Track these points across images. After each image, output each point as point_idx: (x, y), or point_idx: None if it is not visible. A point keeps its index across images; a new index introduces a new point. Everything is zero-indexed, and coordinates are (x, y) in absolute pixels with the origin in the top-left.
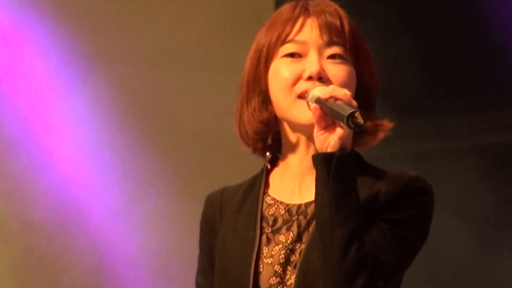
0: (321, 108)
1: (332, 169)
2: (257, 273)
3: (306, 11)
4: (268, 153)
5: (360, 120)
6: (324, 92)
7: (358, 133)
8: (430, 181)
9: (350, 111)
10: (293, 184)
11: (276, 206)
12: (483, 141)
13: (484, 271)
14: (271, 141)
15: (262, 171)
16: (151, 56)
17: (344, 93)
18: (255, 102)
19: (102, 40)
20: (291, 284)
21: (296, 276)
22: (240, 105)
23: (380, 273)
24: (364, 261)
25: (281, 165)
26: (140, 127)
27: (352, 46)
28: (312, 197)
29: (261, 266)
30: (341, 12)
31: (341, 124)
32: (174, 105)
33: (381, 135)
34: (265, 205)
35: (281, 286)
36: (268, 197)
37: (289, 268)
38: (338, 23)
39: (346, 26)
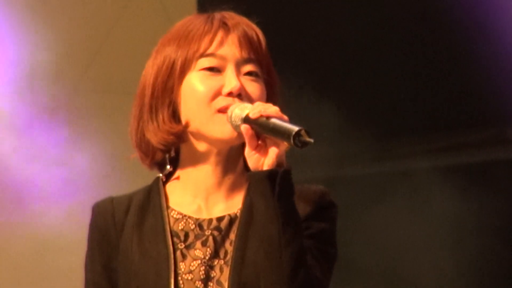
0: (252, 127)
1: (276, 187)
2: None
3: (225, 25)
4: (168, 166)
5: (307, 139)
6: (254, 111)
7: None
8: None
9: (296, 130)
10: (198, 199)
11: (184, 220)
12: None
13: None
14: (174, 153)
15: (155, 183)
16: (74, 78)
17: (275, 110)
18: (164, 113)
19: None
20: None
21: None
22: (138, 114)
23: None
24: (311, 278)
25: (181, 178)
26: None
27: (265, 64)
28: (222, 213)
29: (180, 282)
30: (255, 26)
31: (277, 141)
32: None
33: None
34: (171, 219)
35: None
36: (173, 211)
37: (210, 284)
38: (255, 39)
39: (263, 43)
